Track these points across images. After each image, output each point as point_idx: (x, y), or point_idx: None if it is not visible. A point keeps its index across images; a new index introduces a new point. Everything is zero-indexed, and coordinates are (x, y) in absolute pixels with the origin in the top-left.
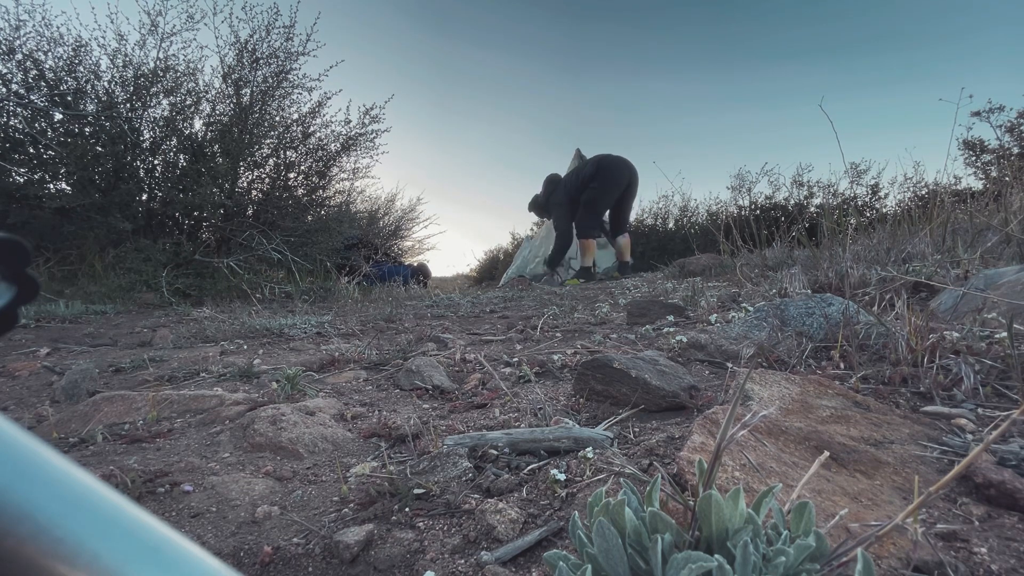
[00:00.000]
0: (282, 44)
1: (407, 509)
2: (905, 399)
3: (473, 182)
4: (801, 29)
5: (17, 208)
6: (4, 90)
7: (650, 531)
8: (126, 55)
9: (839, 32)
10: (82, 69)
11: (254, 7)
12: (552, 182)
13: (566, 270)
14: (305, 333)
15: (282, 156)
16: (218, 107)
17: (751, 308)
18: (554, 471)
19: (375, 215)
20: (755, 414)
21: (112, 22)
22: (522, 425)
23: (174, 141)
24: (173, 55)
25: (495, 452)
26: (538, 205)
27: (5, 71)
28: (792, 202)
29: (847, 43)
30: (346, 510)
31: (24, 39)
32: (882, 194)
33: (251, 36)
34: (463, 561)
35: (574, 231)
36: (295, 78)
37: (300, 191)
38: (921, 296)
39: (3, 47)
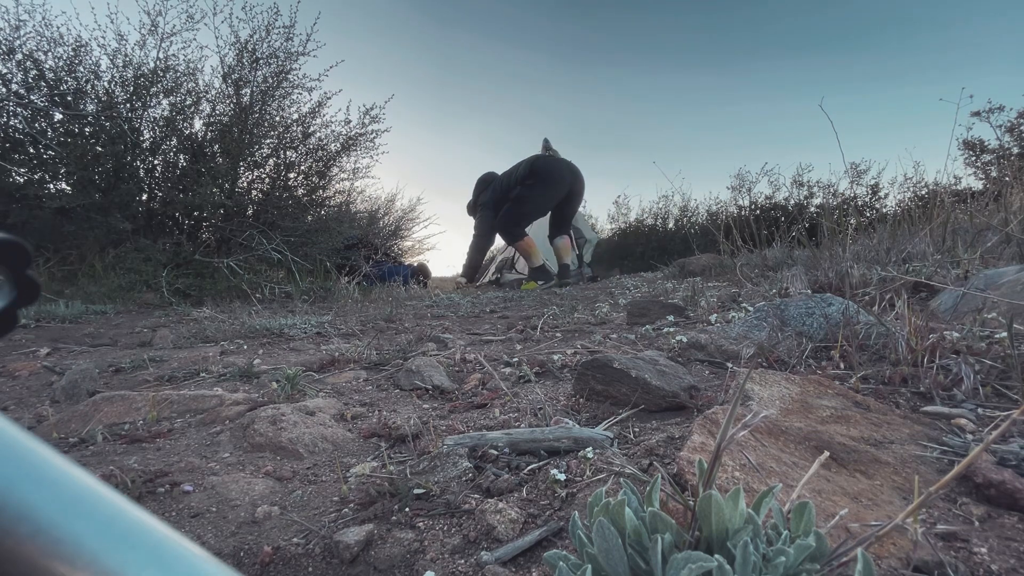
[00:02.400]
0: (282, 44)
1: (407, 509)
2: (905, 399)
3: (474, 178)
4: (801, 26)
5: (17, 208)
6: (4, 90)
7: (650, 531)
8: (126, 55)
9: (839, 31)
10: (82, 69)
11: (254, 7)
12: (484, 181)
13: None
14: (305, 333)
15: (282, 156)
16: (218, 107)
17: (751, 308)
18: (554, 471)
19: (375, 215)
20: (755, 414)
21: (112, 22)
22: (522, 425)
23: (174, 141)
24: (173, 55)
25: (495, 452)
26: (469, 208)
27: (5, 71)
28: (792, 202)
29: (847, 42)
30: (346, 510)
31: (24, 39)
32: (882, 194)
33: (251, 36)
34: (463, 561)
35: (504, 239)
36: (295, 78)
37: (300, 191)
38: (921, 296)
39: (3, 47)
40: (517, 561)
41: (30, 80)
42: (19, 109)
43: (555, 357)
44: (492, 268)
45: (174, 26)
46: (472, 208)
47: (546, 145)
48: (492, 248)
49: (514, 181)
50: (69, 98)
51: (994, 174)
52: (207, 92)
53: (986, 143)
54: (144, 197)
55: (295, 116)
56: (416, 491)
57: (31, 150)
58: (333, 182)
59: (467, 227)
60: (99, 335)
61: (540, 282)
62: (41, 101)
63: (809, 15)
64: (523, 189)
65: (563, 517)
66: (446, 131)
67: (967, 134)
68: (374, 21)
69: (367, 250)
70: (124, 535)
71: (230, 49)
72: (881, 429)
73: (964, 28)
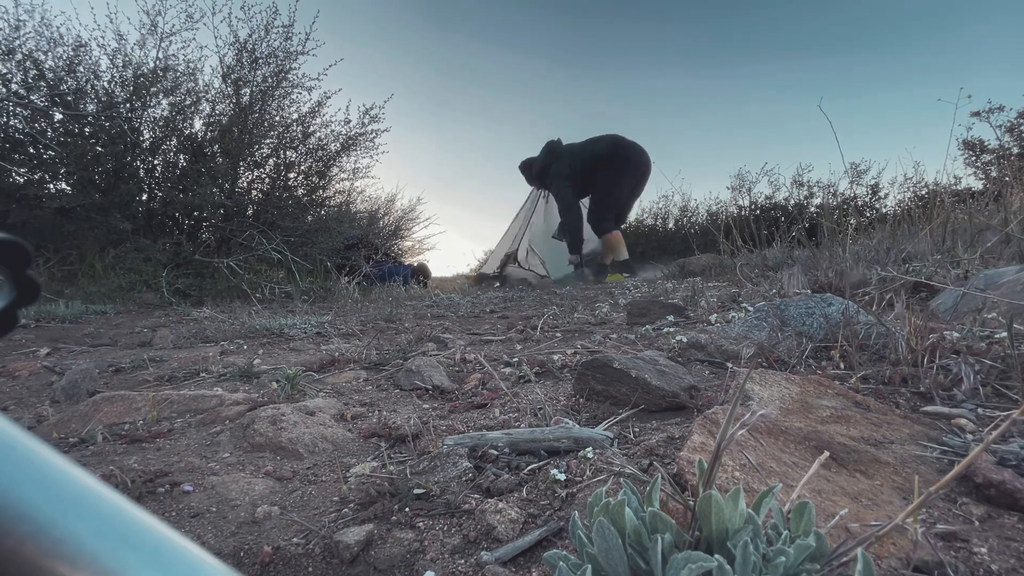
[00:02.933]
0: (281, 44)
1: (407, 509)
2: (905, 399)
3: (473, 182)
4: (801, 29)
5: (17, 208)
6: (4, 90)
7: (650, 531)
8: (126, 55)
9: (840, 31)
10: (82, 69)
11: (253, 7)
12: (553, 152)
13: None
14: (305, 333)
15: (282, 156)
16: (218, 107)
17: (751, 308)
18: (554, 471)
19: (375, 215)
20: (755, 414)
21: (112, 22)
22: (522, 425)
23: (174, 141)
24: (173, 55)
25: (495, 452)
26: (531, 171)
27: (5, 71)
28: (792, 202)
29: (848, 42)
30: (346, 510)
31: (24, 39)
32: (882, 194)
33: (250, 36)
34: (463, 561)
35: (593, 227)
36: (294, 78)
37: (300, 191)
38: (921, 296)
39: (3, 47)
40: (517, 561)
41: (30, 80)
42: (19, 109)
43: (555, 357)
44: (493, 260)
45: (173, 26)
46: (536, 176)
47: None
48: (497, 245)
49: (593, 159)
50: (69, 98)
51: (994, 174)
52: (207, 92)
53: (986, 143)
54: (144, 197)
55: (295, 116)
56: (416, 491)
57: (31, 150)
58: (333, 182)
59: (467, 227)
60: (99, 335)
61: (626, 275)
62: (41, 101)
63: (809, 18)
64: (611, 173)
65: (563, 517)
66: (445, 133)
67: (967, 134)
68: (374, 21)
69: (367, 250)
70: (124, 535)
71: (229, 49)
72: (881, 429)
73: (964, 30)
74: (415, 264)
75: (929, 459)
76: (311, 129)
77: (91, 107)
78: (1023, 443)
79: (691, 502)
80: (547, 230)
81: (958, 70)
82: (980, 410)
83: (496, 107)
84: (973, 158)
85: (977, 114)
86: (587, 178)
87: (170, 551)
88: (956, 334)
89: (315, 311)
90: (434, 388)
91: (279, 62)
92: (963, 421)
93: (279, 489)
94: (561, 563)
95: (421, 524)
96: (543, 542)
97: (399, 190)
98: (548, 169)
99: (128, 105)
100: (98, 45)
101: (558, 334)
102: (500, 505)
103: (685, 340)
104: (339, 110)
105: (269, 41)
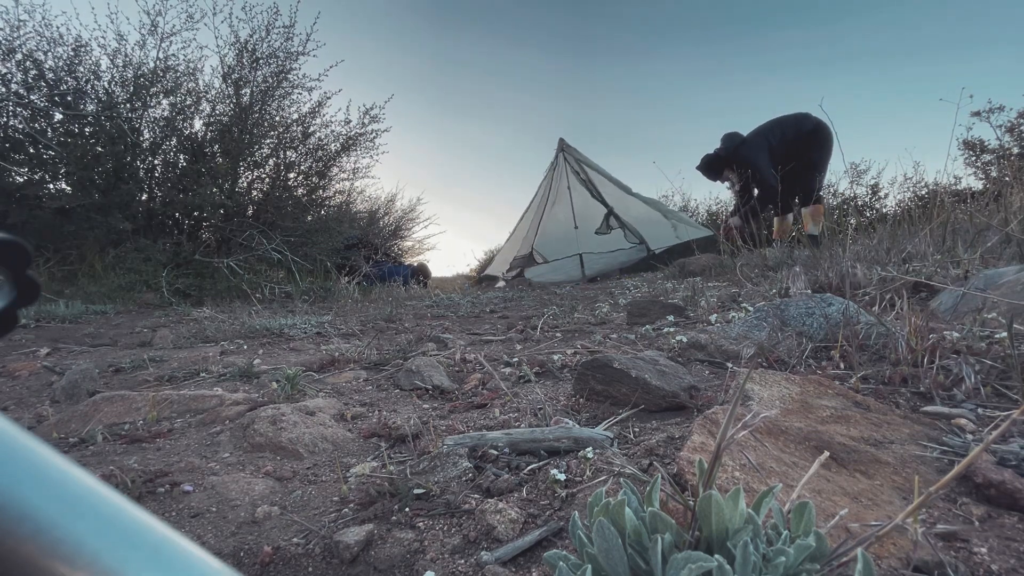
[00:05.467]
0: (282, 44)
1: (407, 509)
2: (905, 399)
3: (473, 182)
4: (803, 29)
5: (17, 208)
6: (4, 90)
7: (650, 531)
8: (126, 55)
9: (841, 32)
10: (82, 69)
11: (254, 7)
12: (732, 138)
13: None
14: (305, 333)
15: (282, 156)
16: (218, 107)
17: (751, 308)
18: (554, 471)
19: (375, 215)
20: (755, 415)
21: (112, 22)
22: (522, 425)
23: (174, 141)
24: (173, 55)
25: (495, 452)
26: (713, 160)
27: (5, 71)
28: None
29: (848, 42)
30: (346, 510)
31: (24, 39)
32: (882, 194)
33: (251, 36)
34: (463, 561)
35: (804, 197)
36: (295, 78)
37: (300, 191)
38: (921, 296)
39: (3, 47)
40: (517, 561)
41: (30, 80)
42: (19, 109)
43: (555, 357)
44: (506, 263)
45: (174, 26)
46: (718, 161)
47: (562, 145)
48: (494, 249)
49: (799, 134)
50: (69, 98)
51: (994, 174)
52: (207, 92)
53: (986, 143)
54: (144, 197)
55: (295, 116)
56: (416, 491)
57: (31, 150)
58: (333, 182)
59: (466, 228)
60: (99, 335)
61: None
62: (41, 101)
63: (812, 18)
64: (819, 154)
65: (563, 517)
66: (445, 133)
67: (967, 134)
68: (374, 21)
69: (367, 250)
70: (124, 535)
71: (230, 49)
72: (881, 429)
73: (966, 27)
74: (415, 264)
75: (929, 459)
76: (311, 129)
77: (91, 107)
78: (1023, 443)
79: (691, 502)
80: (556, 233)
81: (961, 72)
82: (980, 410)
83: (496, 106)
84: (973, 158)
85: (977, 114)
86: (786, 152)
87: (170, 551)
88: (956, 334)
89: (315, 311)
90: (434, 388)
91: (280, 62)
92: (963, 421)
93: (279, 489)
94: (561, 563)
95: (421, 524)
96: (543, 542)
97: (399, 190)
98: (739, 147)
99: (128, 105)
100: (98, 45)
101: (558, 334)
102: (500, 505)
103: (685, 340)
104: (339, 110)
105: (270, 41)
